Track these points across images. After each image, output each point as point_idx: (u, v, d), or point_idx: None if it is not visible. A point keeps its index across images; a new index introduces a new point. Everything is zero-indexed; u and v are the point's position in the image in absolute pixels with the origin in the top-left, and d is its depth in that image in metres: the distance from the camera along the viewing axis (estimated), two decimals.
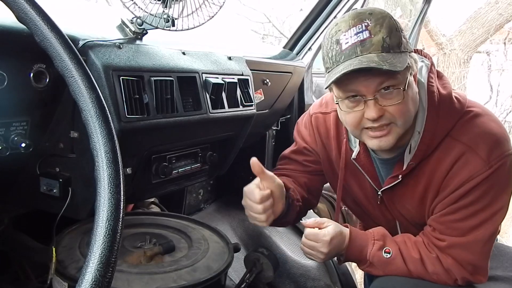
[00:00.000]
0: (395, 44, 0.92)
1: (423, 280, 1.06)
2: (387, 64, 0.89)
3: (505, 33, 5.97)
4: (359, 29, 0.91)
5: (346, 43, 0.92)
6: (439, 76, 1.08)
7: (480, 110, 1.04)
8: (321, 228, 1.08)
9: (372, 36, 0.91)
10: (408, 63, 0.94)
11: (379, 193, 1.13)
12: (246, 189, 1.07)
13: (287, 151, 1.31)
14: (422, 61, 1.08)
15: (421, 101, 1.03)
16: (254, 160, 1.03)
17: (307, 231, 1.09)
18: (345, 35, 0.93)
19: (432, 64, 1.07)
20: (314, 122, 1.23)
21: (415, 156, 1.03)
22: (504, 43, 6.11)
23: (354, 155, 1.13)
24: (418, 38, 2.40)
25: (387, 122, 0.96)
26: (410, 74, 0.97)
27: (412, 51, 0.99)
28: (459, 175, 1.00)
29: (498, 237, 1.39)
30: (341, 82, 0.95)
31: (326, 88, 1.01)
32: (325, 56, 0.98)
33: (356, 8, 1.84)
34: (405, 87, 0.93)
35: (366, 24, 0.91)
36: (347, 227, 1.11)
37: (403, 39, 0.94)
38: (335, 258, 1.15)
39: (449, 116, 1.02)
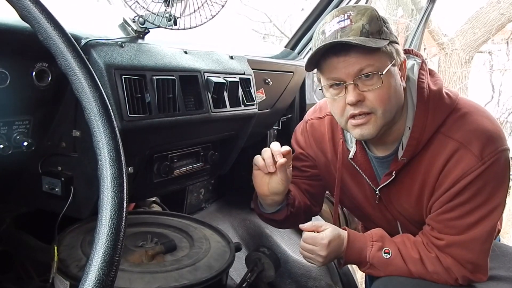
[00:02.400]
0: (375, 31, 0.96)
1: (424, 280, 1.06)
2: (359, 41, 0.93)
3: (507, 33, 5.96)
4: (342, 18, 0.98)
5: (329, 31, 0.98)
6: (431, 73, 1.09)
7: (473, 107, 1.05)
8: (319, 232, 1.08)
9: (353, 23, 0.96)
10: (387, 50, 0.97)
11: (376, 192, 1.13)
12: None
13: None
14: (414, 60, 1.09)
15: (411, 98, 1.05)
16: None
17: (305, 234, 1.09)
18: (329, 25, 0.99)
19: (424, 62, 1.08)
20: (309, 128, 1.26)
21: (405, 152, 1.04)
22: (507, 43, 6.10)
23: (351, 155, 1.14)
24: (422, 38, 2.36)
25: (367, 110, 0.98)
26: (393, 65, 0.98)
27: (397, 42, 1.01)
28: (453, 172, 1.00)
29: (500, 237, 1.39)
30: (323, 69, 1.01)
31: (306, 70, 1.07)
32: (313, 47, 1.03)
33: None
34: (383, 72, 0.96)
35: (348, 14, 0.98)
36: (345, 230, 1.12)
37: (384, 28, 0.97)
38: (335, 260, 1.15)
39: (438, 111, 1.02)
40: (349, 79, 0.97)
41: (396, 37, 1.01)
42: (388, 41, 0.97)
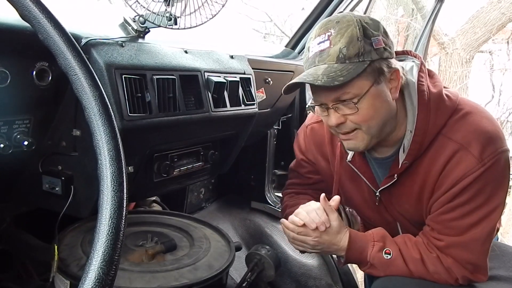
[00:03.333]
0: (352, 54, 0.94)
1: (424, 280, 1.06)
2: (326, 78, 0.93)
3: (508, 33, 5.96)
4: (322, 38, 0.97)
5: (311, 51, 0.99)
6: (430, 75, 1.08)
7: (472, 108, 1.04)
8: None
9: (331, 46, 0.95)
10: (366, 73, 0.95)
11: (377, 193, 1.13)
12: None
13: (292, 164, 1.36)
14: (413, 61, 1.08)
15: (411, 100, 1.04)
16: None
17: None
18: (312, 43, 0.99)
19: (422, 63, 1.07)
20: (309, 133, 1.27)
21: (408, 155, 1.03)
22: (507, 42, 6.09)
23: (349, 157, 1.14)
24: (430, 37, 2.31)
25: (349, 129, 1.00)
26: (376, 83, 0.97)
27: (384, 57, 0.97)
28: (452, 173, 1.00)
29: (500, 237, 1.39)
30: (312, 90, 1.03)
31: (284, 94, 1.08)
32: (303, 60, 1.04)
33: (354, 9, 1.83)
34: (358, 100, 0.96)
35: (329, 34, 0.96)
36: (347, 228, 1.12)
37: (366, 47, 0.94)
38: (336, 257, 1.15)
39: (440, 113, 1.02)
40: (329, 103, 0.99)
41: (385, 48, 0.97)
42: (369, 62, 0.94)
